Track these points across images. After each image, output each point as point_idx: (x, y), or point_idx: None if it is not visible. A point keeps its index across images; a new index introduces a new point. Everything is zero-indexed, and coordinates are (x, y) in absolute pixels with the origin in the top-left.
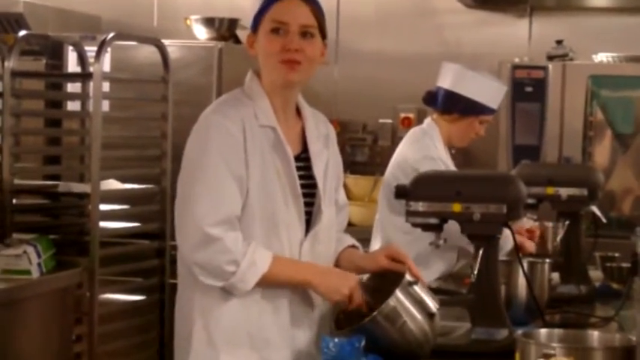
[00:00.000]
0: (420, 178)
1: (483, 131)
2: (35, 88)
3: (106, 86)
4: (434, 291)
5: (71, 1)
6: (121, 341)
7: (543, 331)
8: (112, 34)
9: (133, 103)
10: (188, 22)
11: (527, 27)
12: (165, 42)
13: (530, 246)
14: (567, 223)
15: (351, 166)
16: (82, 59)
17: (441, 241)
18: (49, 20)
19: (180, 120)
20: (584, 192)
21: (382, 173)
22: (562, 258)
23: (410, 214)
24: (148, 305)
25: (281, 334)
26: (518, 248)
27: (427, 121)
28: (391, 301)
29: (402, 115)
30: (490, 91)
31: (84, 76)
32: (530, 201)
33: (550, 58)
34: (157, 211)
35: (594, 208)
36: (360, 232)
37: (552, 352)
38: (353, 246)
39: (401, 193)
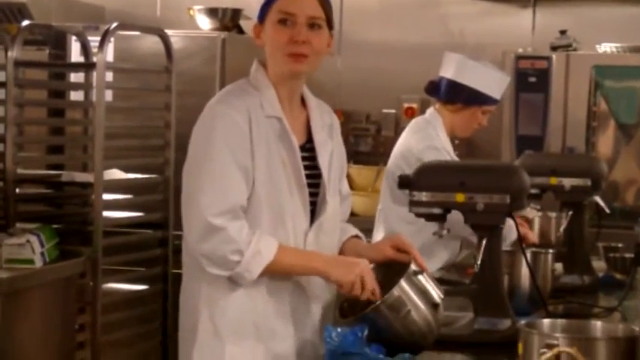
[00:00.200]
0: (423, 168)
1: (486, 121)
2: (38, 78)
3: (109, 76)
4: (437, 281)
5: None
6: (123, 331)
7: (546, 321)
8: (115, 24)
9: (136, 93)
10: (191, 12)
11: (530, 17)
12: (169, 32)
13: (533, 237)
14: (570, 213)
15: (354, 156)
16: (85, 49)
17: (445, 231)
18: (53, 10)
19: (183, 110)
20: (588, 182)
21: (385, 163)
22: (565, 248)
23: (413, 204)
24: (151, 295)
25: (286, 324)
26: (521, 238)
27: (430, 110)
28: (395, 291)
29: (406, 105)
30: (493, 82)
31: (87, 66)
32: (534, 191)
33: (554, 48)
34: (160, 201)
35: (597, 199)
36: (363, 222)
37: (555, 342)
38: (356, 236)
39: (404, 183)
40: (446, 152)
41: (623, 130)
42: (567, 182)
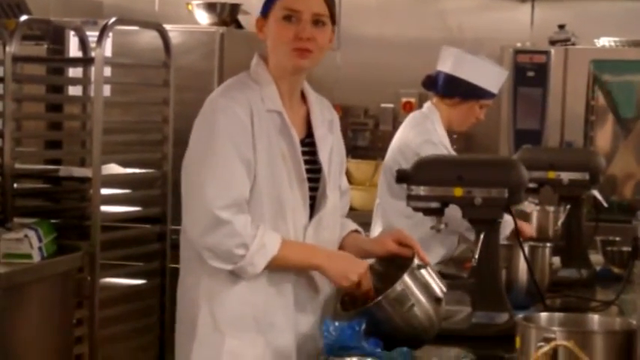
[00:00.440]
0: (421, 162)
1: (483, 115)
2: (37, 73)
3: (107, 71)
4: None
5: None
6: (121, 325)
7: (544, 315)
8: (113, 19)
9: (134, 88)
10: (190, 7)
11: (529, 12)
12: (167, 27)
13: (530, 230)
14: (568, 207)
15: (352, 151)
16: (83, 44)
17: (442, 226)
18: (51, 5)
19: (181, 105)
20: (586, 176)
21: (383, 158)
22: (563, 242)
23: (411, 198)
24: (149, 289)
25: (286, 317)
26: (518, 232)
27: (427, 105)
28: (398, 286)
29: (404, 99)
30: (491, 76)
31: (85, 61)
32: (532, 185)
33: (552, 42)
34: (158, 196)
35: (595, 193)
36: (361, 216)
37: (552, 335)
38: (356, 231)
39: (402, 177)
40: (443, 146)
41: (621, 124)
42: (565, 176)
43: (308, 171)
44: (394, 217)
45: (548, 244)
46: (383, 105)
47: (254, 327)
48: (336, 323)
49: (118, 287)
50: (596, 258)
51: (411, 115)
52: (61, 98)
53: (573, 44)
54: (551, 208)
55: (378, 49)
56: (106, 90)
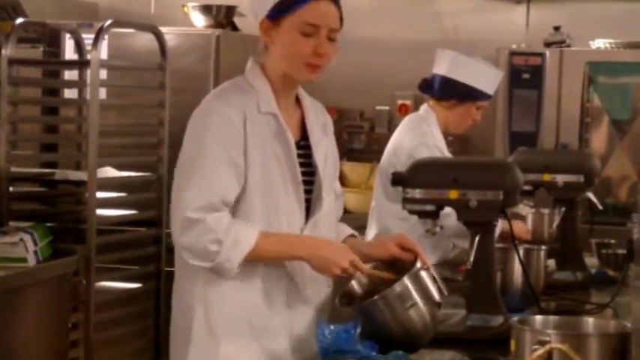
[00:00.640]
0: (416, 164)
1: (479, 117)
2: (32, 76)
3: (103, 74)
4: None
5: None
6: (117, 329)
7: (539, 317)
8: (109, 22)
9: (130, 90)
10: (185, 9)
11: (524, 13)
12: (163, 29)
13: (524, 233)
14: (563, 209)
15: (347, 154)
16: (79, 47)
17: (438, 229)
18: (46, 7)
19: (177, 107)
20: (581, 179)
21: (379, 160)
22: (558, 244)
23: (406, 201)
24: (145, 293)
25: (280, 321)
26: (513, 235)
27: (424, 107)
28: (397, 287)
29: (399, 102)
30: (486, 77)
31: (81, 64)
32: (527, 188)
33: (547, 44)
34: (153, 199)
35: (590, 195)
36: (356, 219)
37: (547, 338)
38: (352, 235)
39: (397, 180)
40: (437, 149)
41: (616, 126)
42: (560, 179)
43: (303, 174)
44: (389, 219)
45: (543, 247)
46: (378, 107)
47: (249, 332)
48: (332, 327)
49: (113, 291)
50: (591, 260)
51: (408, 118)
52: (56, 101)
53: (568, 46)
54: (546, 211)
55: (374, 52)
56: (102, 93)
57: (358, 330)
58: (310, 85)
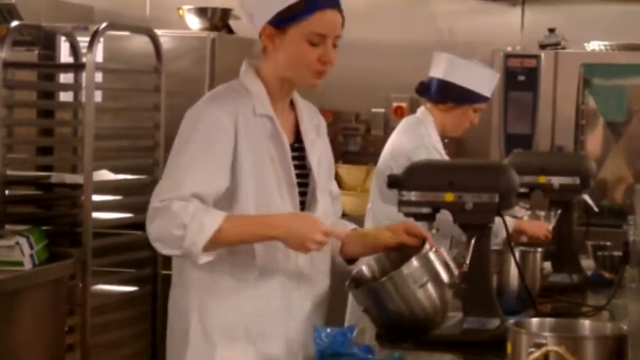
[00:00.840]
0: (412, 167)
1: (477, 120)
2: (28, 79)
3: (98, 77)
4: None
5: None
6: (113, 332)
7: (535, 320)
8: (104, 25)
9: (125, 93)
10: (181, 12)
11: (519, 15)
12: (158, 32)
13: (545, 232)
14: (559, 212)
15: (343, 156)
16: (74, 50)
17: (434, 231)
18: (42, 10)
19: (172, 110)
20: (577, 181)
21: (375, 163)
22: (554, 247)
23: (402, 203)
24: (141, 296)
25: (276, 325)
26: (509, 236)
27: (421, 109)
28: (405, 268)
29: (395, 104)
30: (483, 79)
31: (76, 67)
32: (523, 190)
33: (542, 46)
34: (149, 202)
35: (586, 197)
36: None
37: (543, 341)
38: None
39: (393, 182)
40: (436, 151)
41: (611, 128)
42: (556, 181)
43: (297, 176)
44: (386, 222)
45: (539, 249)
46: (374, 110)
47: (244, 336)
48: (328, 330)
49: (109, 294)
50: (587, 263)
51: (405, 120)
52: (52, 104)
53: (563, 48)
54: (542, 213)
55: (369, 54)
56: (97, 95)
57: (354, 333)
58: (305, 87)
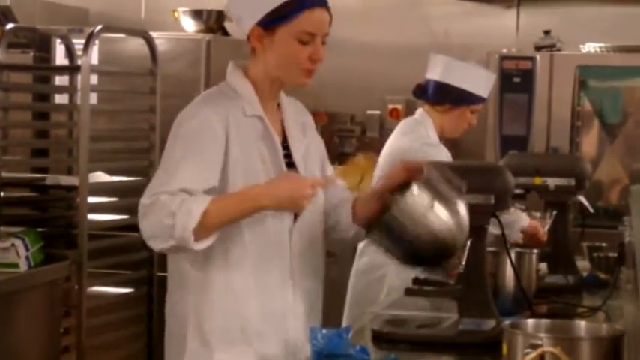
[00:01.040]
0: None
1: (475, 120)
2: (23, 81)
3: (94, 79)
4: (423, 282)
5: None
6: (109, 334)
7: (530, 321)
8: (99, 27)
9: (121, 95)
10: (176, 14)
11: (514, 18)
12: (153, 34)
13: (543, 234)
14: (555, 213)
15: (339, 157)
16: (69, 52)
17: None
18: (37, 13)
19: (168, 112)
20: (572, 182)
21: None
22: (549, 248)
23: None
24: (137, 298)
25: (273, 325)
26: (505, 238)
27: (419, 111)
28: (408, 194)
29: (390, 106)
30: (480, 80)
31: (72, 69)
32: (518, 191)
33: (538, 48)
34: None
35: (582, 198)
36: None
37: (539, 342)
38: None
39: None
40: (442, 148)
41: (607, 130)
42: (551, 182)
43: None
44: None
45: (535, 250)
46: (369, 112)
47: (241, 338)
48: (324, 331)
49: (105, 296)
50: (583, 264)
51: (403, 122)
52: (47, 106)
53: (559, 50)
54: (537, 214)
55: (364, 56)
56: (93, 98)
57: (350, 334)
58: (301, 89)
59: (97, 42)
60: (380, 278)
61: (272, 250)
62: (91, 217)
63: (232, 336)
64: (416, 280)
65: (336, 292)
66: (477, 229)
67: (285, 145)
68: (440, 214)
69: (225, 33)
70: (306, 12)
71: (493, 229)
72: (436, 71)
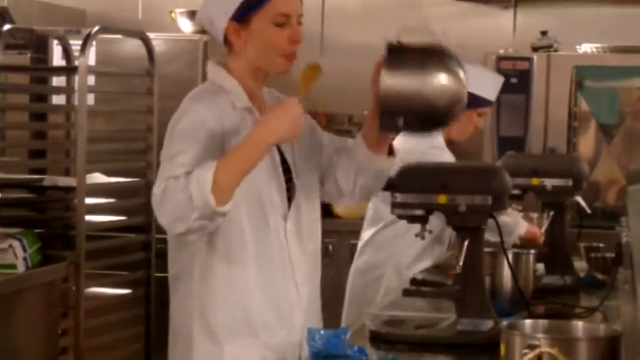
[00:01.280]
0: (405, 169)
1: (481, 124)
2: (20, 82)
3: (91, 80)
4: (420, 282)
5: None
6: (107, 335)
7: (528, 321)
8: (97, 28)
9: (118, 96)
10: (173, 15)
11: (511, 18)
12: (151, 35)
13: (541, 236)
14: (552, 213)
15: None
16: (67, 53)
17: (427, 233)
18: (34, 14)
19: (165, 113)
20: (569, 183)
21: None
22: (547, 249)
23: (395, 205)
24: (134, 299)
25: (277, 315)
26: (502, 239)
27: None
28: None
29: None
30: (487, 83)
31: (69, 70)
32: (515, 192)
33: (535, 49)
34: (142, 205)
35: (579, 199)
36: (347, 224)
37: (537, 342)
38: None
39: (387, 184)
40: (448, 151)
41: (604, 130)
42: (549, 183)
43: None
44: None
45: (532, 251)
46: (367, 112)
47: (248, 330)
48: (322, 331)
49: (103, 297)
50: (580, 264)
51: None
52: (44, 107)
53: (556, 50)
54: (534, 215)
55: (362, 56)
56: (90, 99)
57: (348, 335)
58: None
59: (94, 43)
60: (378, 278)
61: (271, 238)
62: (89, 218)
63: (239, 328)
64: (414, 281)
65: (335, 292)
66: (475, 229)
67: None
68: (434, 73)
69: None
70: None
71: (490, 237)
72: None
